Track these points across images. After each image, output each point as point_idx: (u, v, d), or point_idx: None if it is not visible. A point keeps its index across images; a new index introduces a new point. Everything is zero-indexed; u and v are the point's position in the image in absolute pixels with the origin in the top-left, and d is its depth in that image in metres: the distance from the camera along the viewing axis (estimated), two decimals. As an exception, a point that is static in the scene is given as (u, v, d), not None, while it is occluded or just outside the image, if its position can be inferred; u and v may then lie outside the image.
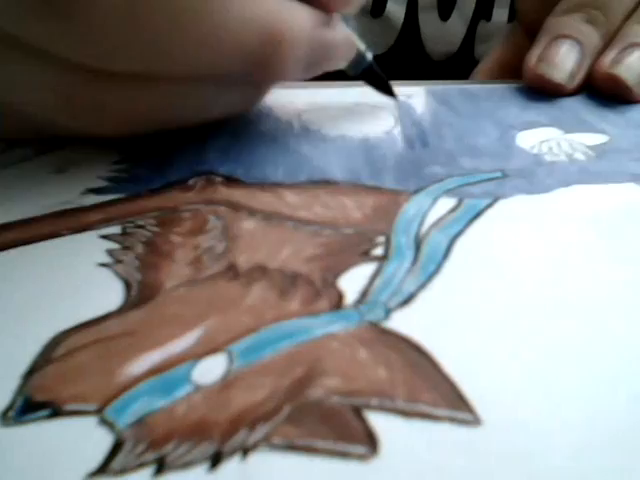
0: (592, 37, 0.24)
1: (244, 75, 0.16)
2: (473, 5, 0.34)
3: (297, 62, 0.16)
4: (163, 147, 0.19)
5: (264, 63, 0.15)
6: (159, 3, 0.14)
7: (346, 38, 0.18)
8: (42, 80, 0.15)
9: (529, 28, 0.26)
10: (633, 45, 0.23)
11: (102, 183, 0.17)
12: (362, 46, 0.20)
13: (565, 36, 0.24)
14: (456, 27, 0.35)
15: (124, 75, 0.15)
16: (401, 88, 0.22)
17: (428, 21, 0.34)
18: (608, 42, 0.24)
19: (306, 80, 0.18)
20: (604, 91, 0.23)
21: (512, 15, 0.35)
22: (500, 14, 0.35)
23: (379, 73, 0.21)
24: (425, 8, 0.34)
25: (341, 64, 0.19)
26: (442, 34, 0.35)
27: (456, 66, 0.35)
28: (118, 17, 0.13)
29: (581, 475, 0.09)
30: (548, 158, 0.18)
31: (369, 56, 0.20)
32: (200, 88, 0.16)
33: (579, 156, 0.18)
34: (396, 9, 0.33)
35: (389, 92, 0.21)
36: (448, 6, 0.34)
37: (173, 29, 0.14)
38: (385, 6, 0.33)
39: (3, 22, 0.14)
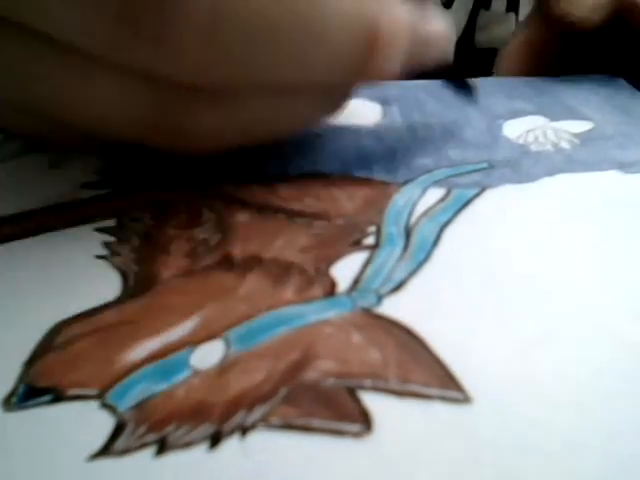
0: None
1: (342, 81, 0.15)
2: None
3: (397, 62, 0.15)
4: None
5: (364, 68, 0.14)
6: (248, 18, 0.12)
7: (442, 30, 0.17)
8: (130, 99, 0.13)
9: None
10: None
11: (96, 178, 0.17)
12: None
13: None
14: (457, 16, 0.36)
15: (216, 92, 0.14)
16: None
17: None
18: None
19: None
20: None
21: (510, 5, 0.37)
22: (499, 4, 0.36)
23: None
24: None
25: (436, 59, 0.17)
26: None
27: (457, 52, 0.37)
28: (205, 33, 0.12)
29: (570, 452, 0.09)
30: (534, 148, 0.19)
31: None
32: (294, 100, 0.15)
33: (564, 145, 0.19)
34: None
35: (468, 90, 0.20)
36: None
37: (268, 43, 0.13)
38: None
39: (89, 43, 0.12)
